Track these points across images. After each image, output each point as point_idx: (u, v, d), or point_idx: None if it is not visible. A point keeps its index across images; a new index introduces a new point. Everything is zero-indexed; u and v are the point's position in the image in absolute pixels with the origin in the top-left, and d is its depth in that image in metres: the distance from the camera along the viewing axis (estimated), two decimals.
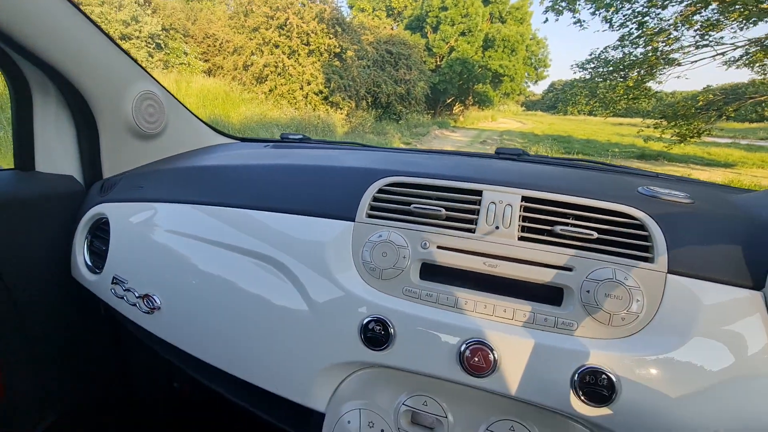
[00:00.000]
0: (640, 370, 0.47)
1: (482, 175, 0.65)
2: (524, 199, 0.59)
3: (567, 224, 0.56)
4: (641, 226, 0.54)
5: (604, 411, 0.47)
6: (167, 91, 1.06)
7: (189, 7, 13.97)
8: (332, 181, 0.70)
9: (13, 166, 0.91)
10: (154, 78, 1.02)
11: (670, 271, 0.51)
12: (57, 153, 0.92)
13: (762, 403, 0.45)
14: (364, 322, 0.55)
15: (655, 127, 9.42)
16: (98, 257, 0.86)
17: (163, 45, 11.67)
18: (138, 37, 10.93)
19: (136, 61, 0.97)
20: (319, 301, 0.59)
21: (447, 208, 0.60)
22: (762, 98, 9.19)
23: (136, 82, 0.95)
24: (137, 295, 0.74)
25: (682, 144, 9.32)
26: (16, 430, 0.90)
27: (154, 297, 0.72)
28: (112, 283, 0.79)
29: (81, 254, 0.88)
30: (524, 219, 0.58)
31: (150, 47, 11.22)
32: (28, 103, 0.86)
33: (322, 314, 0.58)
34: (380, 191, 0.64)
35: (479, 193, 0.61)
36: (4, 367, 0.84)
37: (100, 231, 0.88)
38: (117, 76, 0.91)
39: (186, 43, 12.54)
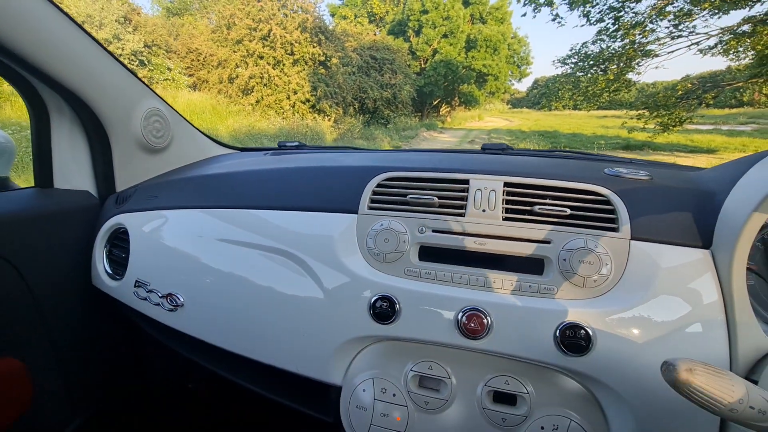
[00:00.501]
0: (611, 323, 0.55)
1: (469, 166, 0.73)
2: (506, 184, 0.67)
3: (544, 204, 0.64)
4: (607, 201, 0.63)
5: (583, 360, 0.55)
6: (171, 107, 1.13)
7: (170, 22, 14.02)
8: (334, 180, 0.77)
9: (33, 184, 0.97)
10: (159, 96, 1.09)
11: (633, 238, 0.59)
12: (73, 170, 0.98)
13: (709, 341, 0.53)
14: (372, 300, 0.63)
15: (638, 118, 9.66)
16: (118, 265, 0.93)
17: (146, 62, 11.69)
18: (121, 55, 10.93)
19: (142, 80, 1.04)
20: (330, 286, 0.66)
21: (439, 197, 0.68)
22: (739, 84, 9.48)
23: (144, 100, 1.02)
24: (160, 295, 0.81)
25: (666, 133, 9.56)
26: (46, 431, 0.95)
27: (177, 295, 0.79)
28: (135, 286, 0.85)
29: (101, 263, 0.94)
30: (507, 202, 0.66)
31: (134, 64, 11.23)
32: (46, 124, 0.92)
33: (334, 297, 0.66)
34: (379, 185, 0.72)
35: (466, 182, 0.69)
36: (32, 373, 0.90)
37: (119, 240, 0.94)
38: (126, 96, 0.97)
39: (169, 58, 12.57)
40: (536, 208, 0.63)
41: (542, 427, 0.56)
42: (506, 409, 0.59)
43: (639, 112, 9.67)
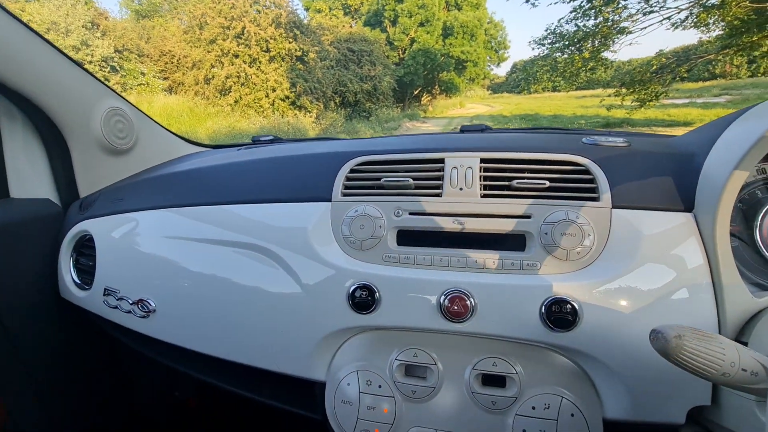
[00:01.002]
0: (596, 294, 0.53)
1: (444, 146, 0.71)
2: (483, 161, 0.64)
3: (522, 178, 0.61)
4: (586, 171, 0.61)
5: (570, 334, 0.53)
6: (134, 106, 1.08)
7: (140, 25, 13.63)
8: (306, 168, 0.74)
9: None
10: (119, 94, 1.04)
11: (614, 206, 0.57)
12: (30, 178, 0.93)
13: (697, 306, 0.51)
14: (351, 290, 0.60)
15: (616, 95, 9.76)
16: (85, 273, 0.88)
17: (118, 67, 11.36)
18: (90, 62, 10.60)
19: (99, 79, 0.98)
20: (307, 279, 0.63)
21: (414, 178, 0.65)
22: (710, 56, 9.64)
23: (102, 100, 0.97)
24: (131, 302, 0.77)
25: (643, 108, 9.69)
26: None
27: (149, 301, 0.75)
28: (104, 294, 0.81)
29: (68, 273, 0.90)
30: (484, 179, 0.64)
31: (105, 71, 10.90)
32: None
33: (311, 290, 0.63)
34: (352, 171, 0.69)
35: (441, 161, 0.66)
36: (4, 398, 0.85)
37: (85, 248, 0.89)
38: (82, 96, 0.92)
39: (142, 62, 12.23)
40: (514, 182, 0.61)
41: (533, 407, 0.54)
42: (496, 391, 0.57)
43: (616, 89, 9.78)
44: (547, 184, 0.60)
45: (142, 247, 0.78)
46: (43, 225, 0.92)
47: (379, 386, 0.60)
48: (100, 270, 0.83)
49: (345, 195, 0.67)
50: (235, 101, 11.19)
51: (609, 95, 9.98)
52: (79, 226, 0.89)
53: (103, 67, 10.85)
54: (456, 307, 0.56)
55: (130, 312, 0.77)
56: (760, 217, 0.56)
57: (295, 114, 11.42)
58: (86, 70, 0.94)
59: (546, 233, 0.57)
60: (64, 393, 0.97)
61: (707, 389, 0.52)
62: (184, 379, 1.21)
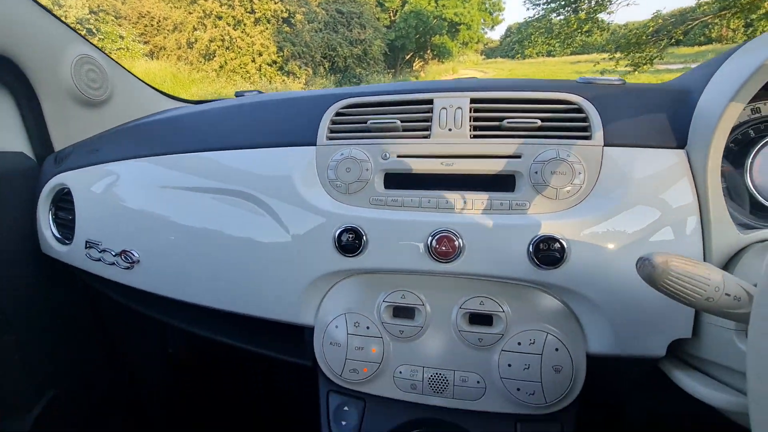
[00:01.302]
0: (584, 232, 0.53)
1: (433, 87, 0.68)
2: (473, 101, 0.62)
3: (513, 117, 0.59)
4: (579, 109, 0.59)
5: (557, 272, 0.53)
6: (107, 55, 1.02)
7: None
8: (289, 112, 0.71)
9: None
10: (90, 42, 0.98)
11: (606, 144, 0.56)
12: (1, 131, 0.88)
13: (684, 242, 0.51)
14: (337, 233, 0.59)
15: (610, 59, 9.59)
16: (65, 228, 0.86)
17: (94, 30, 10.79)
18: None
19: (68, 24, 0.92)
20: (292, 224, 0.62)
21: (402, 120, 0.63)
22: (708, 18, 9.44)
23: (71, 46, 0.91)
24: (114, 253, 0.75)
25: (636, 72, 9.55)
26: (13, 411, 0.91)
27: (132, 252, 0.73)
28: (86, 248, 0.79)
29: (47, 228, 0.87)
30: (474, 119, 0.61)
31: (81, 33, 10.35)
32: None
33: (297, 235, 0.61)
34: (337, 114, 0.66)
35: (430, 101, 0.63)
36: None
37: (63, 202, 0.87)
38: (49, 41, 0.86)
39: (120, 25, 11.62)
40: (505, 122, 0.59)
41: (519, 343, 0.55)
42: (482, 329, 0.57)
43: (611, 54, 9.59)
44: (539, 123, 0.58)
45: (122, 198, 0.76)
46: (18, 179, 0.89)
47: (367, 327, 0.60)
48: (80, 223, 0.80)
49: (330, 139, 0.65)
50: (220, 66, 10.78)
51: (604, 59, 9.81)
52: (55, 179, 0.86)
53: (78, 29, 10.30)
54: (443, 248, 0.55)
55: (113, 264, 0.76)
56: (751, 156, 0.55)
57: (284, 80, 11.08)
58: (52, 13, 0.88)
59: (536, 172, 0.56)
60: (51, 351, 0.97)
61: (688, 322, 0.52)
62: (175, 335, 1.22)
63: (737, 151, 0.57)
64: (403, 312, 0.60)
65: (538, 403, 0.54)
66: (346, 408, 0.62)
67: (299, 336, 0.71)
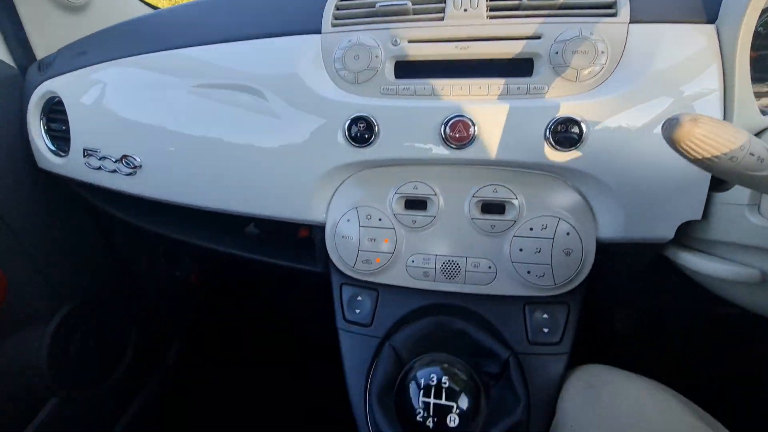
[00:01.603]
0: (604, 113, 0.51)
1: None
2: None
3: None
4: None
5: (574, 154, 0.52)
6: None
7: None
8: None
9: None
10: None
11: (632, 21, 0.53)
12: None
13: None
14: (347, 123, 0.57)
15: None
16: (60, 139, 0.83)
17: None
18: None
19: None
20: (300, 116, 0.60)
21: (413, 2, 0.58)
22: None
23: None
24: (114, 159, 0.73)
25: None
26: (31, 323, 0.94)
27: (134, 156, 0.71)
28: (84, 156, 0.77)
29: (40, 139, 0.84)
30: None
31: None
32: None
33: (305, 128, 0.59)
34: None
35: None
36: (3, 267, 0.85)
37: (54, 112, 0.82)
38: None
39: None
40: (524, 0, 0.55)
41: (531, 228, 0.56)
42: (495, 217, 0.57)
43: None
44: (561, 0, 0.54)
45: (118, 101, 0.72)
46: (1, 89, 0.84)
47: (380, 219, 0.60)
48: (75, 131, 0.77)
49: (336, 25, 0.60)
50: None
51: None
52: (42, 87, 0.81)
53: None
54: (457, 134, 0.54)
55: (115, 171, 0.74)
56: None
57: None
58: None
59: (556, 52, 0.53)
60: (63, 269, 0.98)
61: (699, 204, 0.53)
62: (182, 257, 1.24)
63: (765, 35, 0.55)
64: (415, 203, 0.60)
65: (547, 284, 0.56)
66: (359, 298, 0.63)
67: (308, 244, 0.71)
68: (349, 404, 0.60)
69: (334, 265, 0.65)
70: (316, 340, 1.46)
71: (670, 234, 0.55)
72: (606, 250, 0.58)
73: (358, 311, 0.63)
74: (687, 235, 0.57)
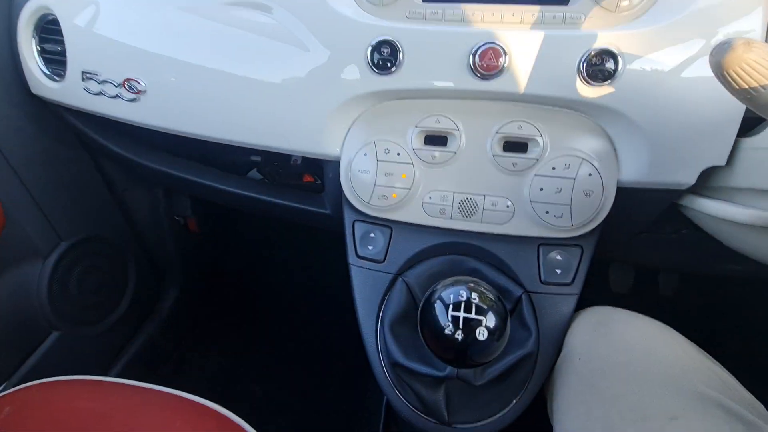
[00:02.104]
0: (642, 46, 0.49)
1: None
2: None
3: None
4: None
5: (606, 89, 0.51)
6: None
7: None
8: None
9: None
10: None
11: None
12: None
13: None
14: (370, 47, 0.54)
15: None
16: (55, 62, 0.78)
17: None
18: None
19: None
20: (320, 39, 0.56)
21: None
22: None
23: None
24: (116, 83, 0.69)
25: None
26: (31, 258, 0.93)
27: (137, 79, 0.67)
28: (83, 80, 0.72)
29: (32, 60, 0.78)
30: None
31: None
32: None
33: (325, 51, 0.56)
34: None
35: None
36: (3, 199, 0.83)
37: (47, 31, 0.77)
38: None
39: None
40: None
41: (553, 168, 0.55)
42: (517, 155, 0.56)
43: None
44: None
45: (120, 17, 0.67)
46: None
47: (398, 154, 0.58)
48: (73, 53, 0.72)
49: None
50: None
51: None
52: (33, 1, 0.75)
53: None
54: (486, 63, 0.51)
55: (117, 97, 0.70)
56: None
57: None
58: None
59: None
60: (58, 200, 0.96)
61: (725, 149, 0.52)
62: (182, 199, 1.21)
63: None
64: (436, 139, 0.58)
65: (564, 225, 0.56)
66: (372, 235, 0.63)
67: (313, 189, 0.69)
68: (359, 337, 0.61)
69: (348, 202, 0.63)
70: (317, 290, 1.48)
71: (691, 179, 0.54)
72: (623, 195, 0.57)
73: (371, 248, 0.62)
74: (705, 184, 0.56)
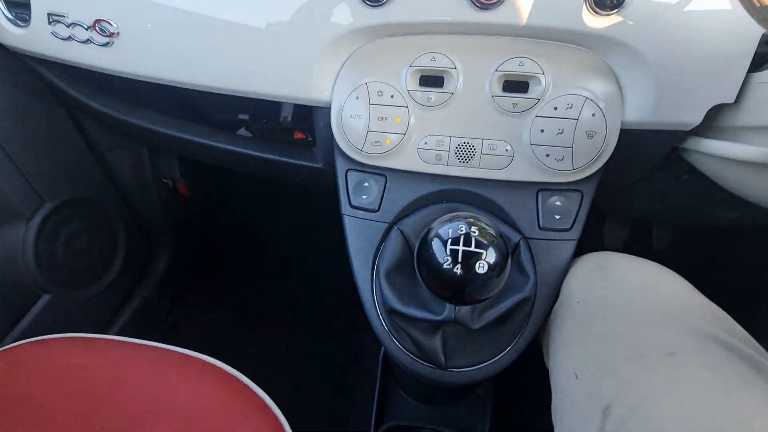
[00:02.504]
0: None
1: None
2: None
3: None
4: None
5: (614, 18, 0.47)
6: None
7: None
8: None
9: None
10: None
11: None
12: None
13: None
14: None
15: None
16: (17, 6, 0.71)
17: None
18: None
19: None
20: None
21: None
22: None
23: None
24: (87, 26, 0.64)
25: None
26: (13, 220, 0.89)
27: (109, 21, 0.62)
28: (50, 23, 0.67)
29: None
30: None
31: None
32: None
33: None
34: None
35: None
36: None
37: None
38: None
39: None
40: None
41: (555, 108, 0.52)
42: (518, 95, 0.53)
43: None
44: None
45: None
46: None
47: (392, 96, 0.55)
48: None
49: None
50: None
51: None
52: None
53: None
54: None
55: (88, 41, 0.65)
56: None
57: None
58: None
59: None
60: (37, 160, 0.91)
61: (735, 86, 0.50)
62: (168, 160, 1.17)
63: None
64: (431, 80, 0.55)
65: (565, 169, 0.54)
66: (366, 184, 0.61)
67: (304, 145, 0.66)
68: (354, 291, 0.60)
69: (340, 150, 0.61)
70: (310, 247, 1.48)
71: (698, 119, 0.52)
72: (625, 138, 0.55)
73: (364, 197, 0.60)
74: (710, 125, 0.54)
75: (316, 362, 1.20)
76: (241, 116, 0.83)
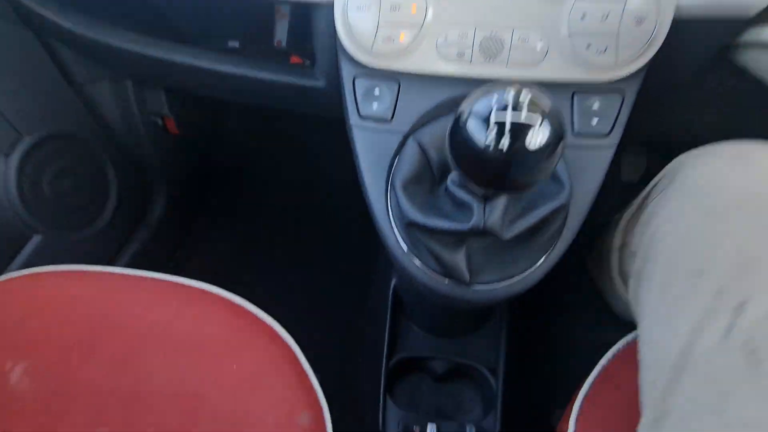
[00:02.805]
0: None
1: None
2: None
3: None
4: None
5: None
6: None
7: None
8: None
9: None
10: None
11: None
12: None
13: None
14: None
15: None
16: None
17: None
18: None
19: None
20: None
21: None
22: None
23: None
24: None
25: None
26: None
27: None
28: None
29: None
30: None
31: None
32: None
33: None
34: None
35: None
36: None
37: None
38: None
39: None
40: None
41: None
42: None
43: None
44: None
45: None
46: None
47: None
48: None
49: None
50: None
51: None
52: None
53: None
54: None
55: None
56: None
57: None
58: None
59: None
60: (8, 91, 0.83)
61: None
62: (155, 94, 1.08)
63: None
64: None
65: (607, 63, 0.47)
66: (376, 91, 0.53)
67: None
68: (361, 219, 0.55)
69: (345, 54, 0.53)
70: (312, 178, 1.42)
71: (763, 3, 0.45)
72: (674, 31, 0.48)
73: (375, 105, 0.53)
74: None
75: (327, 299, 1.19)
76: (230, 43, 0.78)
